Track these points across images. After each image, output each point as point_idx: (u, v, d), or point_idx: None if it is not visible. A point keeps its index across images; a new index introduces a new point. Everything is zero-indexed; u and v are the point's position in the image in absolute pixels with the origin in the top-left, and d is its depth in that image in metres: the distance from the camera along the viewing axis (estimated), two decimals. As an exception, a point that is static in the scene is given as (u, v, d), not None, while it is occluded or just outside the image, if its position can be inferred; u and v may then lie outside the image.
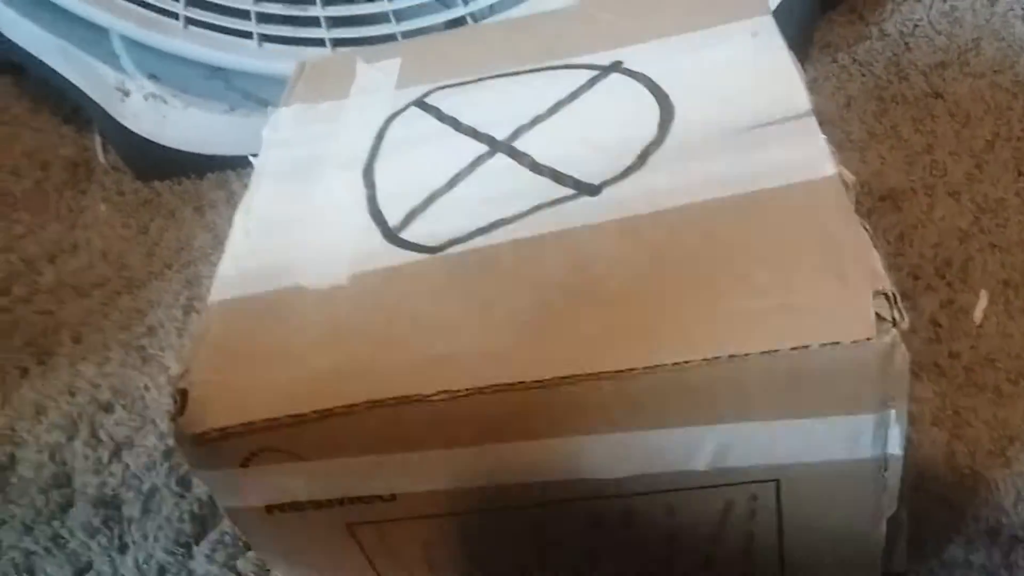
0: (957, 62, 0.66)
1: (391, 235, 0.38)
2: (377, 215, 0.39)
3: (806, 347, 0.30)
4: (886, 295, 0.30)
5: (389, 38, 0.65)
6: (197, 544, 0.51)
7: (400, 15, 0.65)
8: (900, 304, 0.30)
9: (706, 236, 0.34)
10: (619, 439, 0.33)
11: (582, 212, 0.36)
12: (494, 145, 0.40)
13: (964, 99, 0.63)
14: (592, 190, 0.37)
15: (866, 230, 0.32)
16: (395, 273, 0.36)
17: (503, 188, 0.38)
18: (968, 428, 0.48)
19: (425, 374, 0.32)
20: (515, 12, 0.65)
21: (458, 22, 0.66)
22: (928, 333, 0.52)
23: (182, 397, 0.34)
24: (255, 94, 0.72)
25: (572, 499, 0.36)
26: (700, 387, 0.31)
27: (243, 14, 0.65)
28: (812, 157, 0.35)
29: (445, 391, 0.32)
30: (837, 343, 0.29)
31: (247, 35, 0.66)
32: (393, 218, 0.38)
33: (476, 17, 0.66)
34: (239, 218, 0.40)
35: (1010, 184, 0.57)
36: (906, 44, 0.68)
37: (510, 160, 0.39)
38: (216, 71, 0.71)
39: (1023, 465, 0.45)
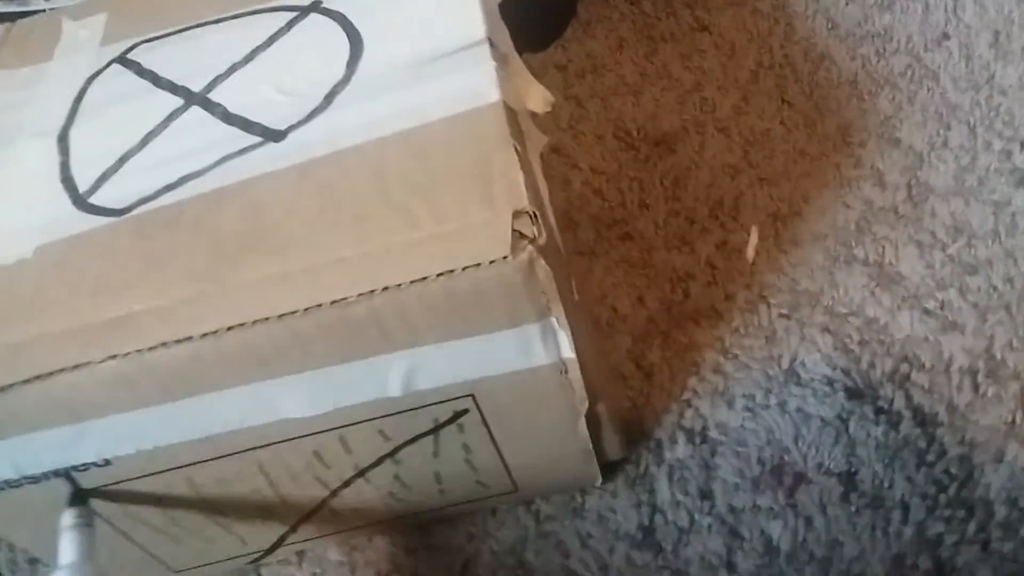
0: (720, -11, 0.64)
1: (80, 201, 0.37)
2: (68, 181, 0.38)
3: (451, 272, 0.31)
4: (528, 214, 0.32)
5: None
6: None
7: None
8: (540, 221, 0.32)
9: (375, 174, 0.35)
10: (305, 379, 0.34)
11: (266, 159, 0.36)
12: (189, 98, 0.40)
13: (728, 30, 0.62)
14: (277, 136, 0.37)
15: (517, 152, 0.34)
16: (81, 240, 0.36)
17: (195, 142, 0.38)
18: (743, 370, 0.46)
19: (96, 340, 0.33)
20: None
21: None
22: (706, 277, 0.50)
23: None
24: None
25: (286, 439, 0.37)
26: (365, 321, 0.32)
27: None
28: (480, 85, 0.36)
29: (113, 355, 0.32)
30: (479, 264, 0.31)
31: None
32: (84, 183, 0.38)
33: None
34: None
35: (775, 114, 0.57)
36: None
37: (204, 112, 0.39)
38: None
39: (798, 401, 0.44)
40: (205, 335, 0.32)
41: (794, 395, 0.45)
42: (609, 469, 0.44)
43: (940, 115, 0.54)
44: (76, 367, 0.32)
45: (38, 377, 0.32)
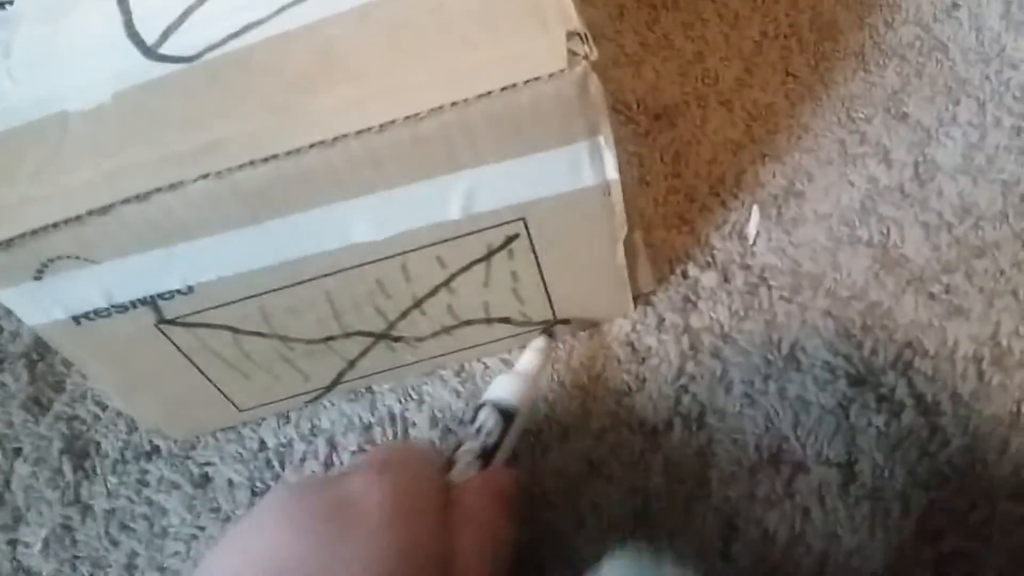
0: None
1: (150, 52, 0.40)
2: (135, 36, 0.41)
3: (514, 85, 0.35)
4: (579, 35, 0.35)
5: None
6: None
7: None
8: (591, 41, 0.35)
9: (433, 9, 0.38)
10: (377, 199, 0.38)
11: (326, 6, 0.39)
12: None
13: (731, -2, 0.60)
14: None
15: None
16: (156, 84, 0.39)
17: None
18: (742, 355, 0.45)
19: (188, 163, 0.36)
20: None
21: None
22: (705, 258, 0.49)
23: None
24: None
25: (353, 266, 0.41)
26: (433, 137, 0.36)
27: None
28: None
29: (205, 174, 0.35)
30: (538, 78, 0.35)
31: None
32: (150, 37, 0.41)
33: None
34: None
35: (778, 87, 0.55)
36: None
37: None
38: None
39: (798, 388, 0.43)
40: (289, 153, 0.35)
41: (794, 382, 0.44)
42: (597, 464, 0.44)
43: (949, 89, 0.53)
44: (171, 187, 0.36)
45: (136, 197, 0.36)
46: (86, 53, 0.41)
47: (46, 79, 0.41)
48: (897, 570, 0.38)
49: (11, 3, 0.45)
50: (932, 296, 0.45)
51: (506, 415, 0.42)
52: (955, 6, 0.56)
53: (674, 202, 0.52)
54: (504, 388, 0.43)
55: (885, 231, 0.48)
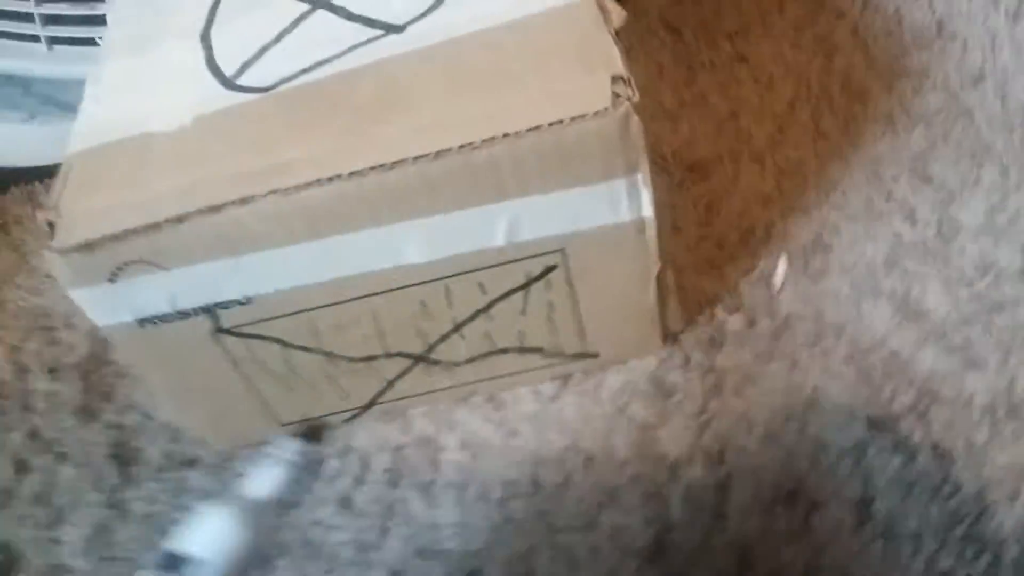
0: (760, 25, 0.65)
1: (228, 83, 0.44)
2: (215, 69, 0.44)
3: (561, 121, 0.38)
4: (623, 79, 0.38)
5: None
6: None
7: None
8: (634, 85, 0.38)
9: (489, 52, 0.41)
10: (428, 223, 0.40)
11: (390, 47, 0.43)
12: (315, 3, 0.46)
13: (767, 61, 0.63)
14: (398, 29, 0.43)
15: (612, 36, 0.40)
16: (233, 112, 0.42)
17: (324, 36, 0.44)
18: (764, 397, 0.46)
19: (259, 181, 0.39)
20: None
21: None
22: (732, 302, 0.51)
23: (51, 227, 0.40)
24: (55, 98, 0.67)
25: (401, 286, 0.43)
26: (484, 166, 0.39)
27: (26, 17, 0.61)
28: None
29: (274, 191, 0.39)
30: (584, 115, 0.38)
31: (35, 39, 0.62)
32: (229, 70, 0.44)
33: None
34: (89, 88, 0.46)
35: (809, 145, 0.57)
36: (712, 9, 0.67)
37: (330, 14, 0.45)
38: (10, 78, 0.67)
39: (817, 429, 0.44)
40: (352, 174, 0.38)
41: (813, 423, 0.46)
42: (618, 493, 0.45)
43: (973, 154, 0.55)
44: (243, 201, 0.39)
45: (210, 208, 0.39)
46: (169, 82, 0.45)
47: (132, 104, 0.44)
48: (907, 607, 0.39)
49: (101, 38, 0.49)
50: (950, 348, 0.47)
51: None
52: (982, 76, 0.58)
53: (705, 249, 0.54)
54: (197, 529, 0.38)
55: (907, 285, 0.50)
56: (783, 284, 0.51)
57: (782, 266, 0.52)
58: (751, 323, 0.50)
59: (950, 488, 0.42)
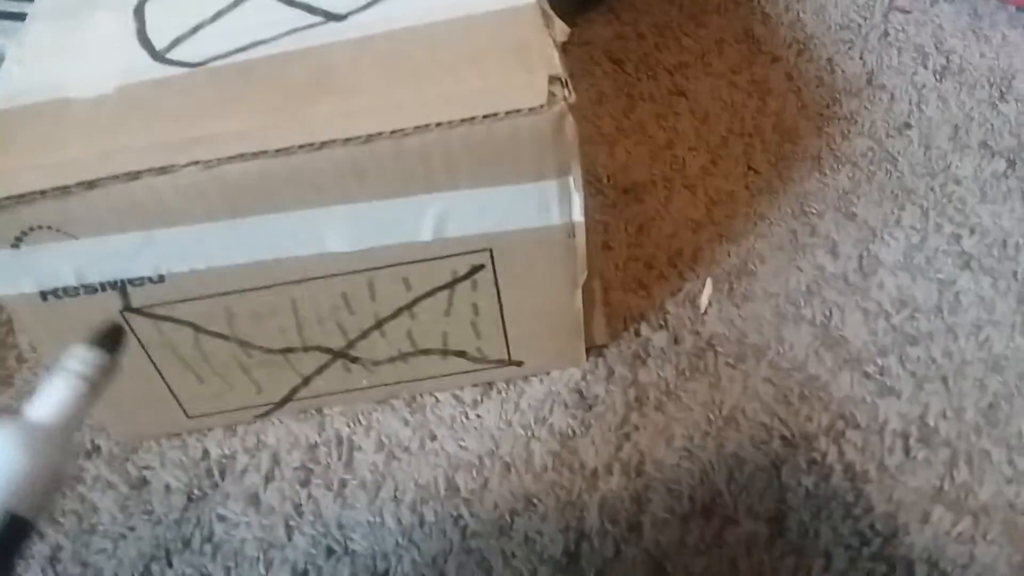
0: (700, 63, 0.67)
1: (158, 56, 0.42)
2: (145, 42, 0.43)
3: (496, 114, 0.37)
4: (560, 80, 0.38)
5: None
6: None
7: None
8: (570, 86, 0.38)
9: (427, 45, 0.41)
10: (354, 210, 0.40)
11: (329, 33, 0.42)
12: None
13: (704, 97, 0.65)
14: (338, 17, 0.43)
15: (553, 40, 0.40)
16: (159, 83, 0.41)
17: (262, 19, 0.43)
18: (684, 412, 0.46)
19: (181, 151, 0.38)
20: None
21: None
22: (658, 320, 0.51)
23: None
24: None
25: (322, 276, 0.42)
26: (415, 154, 0.38)
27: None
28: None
29: (195, 161, 0.37)
30: (519, 110, 0.37)
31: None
32: (160, 44, 0.43)
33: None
34: (10, 51, 0.44)
35: (740, 178, 0.59)
36: (655, 44, 0.69)
37: None
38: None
39: (735, 446, 0.44)
40: (278, 151, 0.37)
41: (731, 440, 0.46)
42: (535, 500, 0.45)
43: (895, 196, 0.57)
44: (160, 170, 0.37)
45: (125, 175, 0.37)
46: (96, 51, 0.43)
47: (54, 69, 0.43)
48: (815, 622, 0.39)
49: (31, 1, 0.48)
50: (867, 375, 0.48)
51: None
52: (907, 125, 0.61)
53: (634, 268, 0.55)
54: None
55: (828, 313, 0.51)
56: (708, 306, 0.52)
57: (708, 288, 0.53)
58: (675, 341, 0.51)
59: (862, 508, 0.43)
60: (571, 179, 0.40)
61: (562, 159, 0.39)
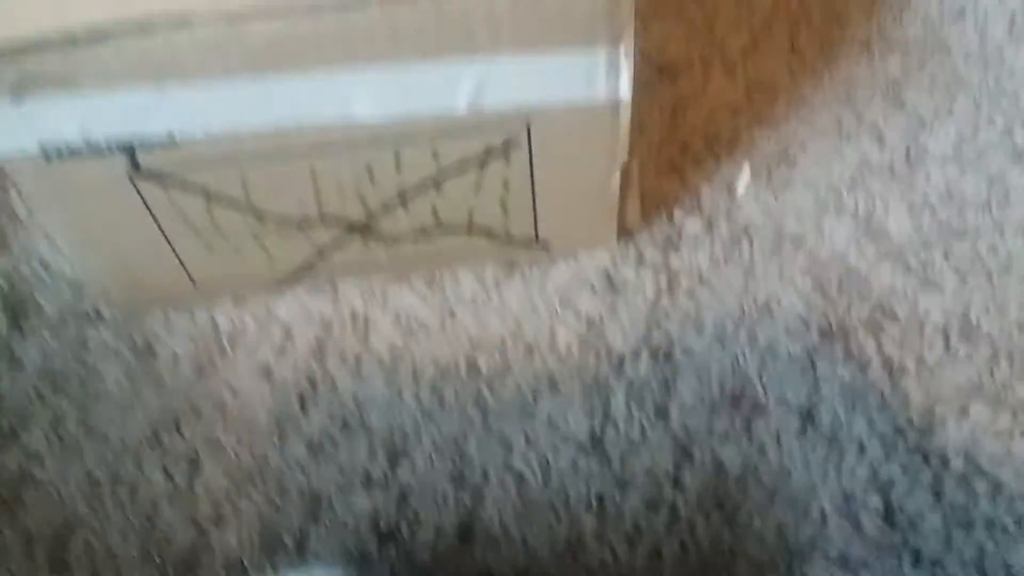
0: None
1: None
2: None
3: None
4: None
5: None
6: None
7: None
8: None
9: None
10: (384, 72, 0.36)
11: None
12: None
13: (748, -28, 0.60)
14: None
15: None
16: None
17: None
18: (717, 300, 0.45)
19: (201, 2, 0.34)
20: None
21: None
22: (692, 205, 0.49)
23: None
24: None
25: (346, 145, 0.39)
26: (456, 17, 0.35)
27: None
28: None
29: (218, 11, 0.34)
30: None
31: None
32: None
33: None
34: None
35: (783, 60, 0.56)
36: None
37: None
38: None
39: (768, 335, 0.42)
40: (311, 8, 0.34)
41: (765, 329, 0.44)
42: (559, 383, 0.43)
43: (947, 86, 0.53)
44: (179, 22, 0.34)
45: (139, 24, 0.34)
46: None
47: None
48: (845, 512, 0.38)
49: None
50: (909, 269, 0.46)
51: None
52: (962, 13, 0.57)
53: (668, 152, 0.52)
54: None
55: (871, 204, 0.48)
56: (745, 192, 0.50)
57: (745, 174, 0.50)
58: (709, 227, 0.48)
59: (898, 402, 0.41)
60: (622, 48, 0.37)
61: (615, 23, 0.36)
